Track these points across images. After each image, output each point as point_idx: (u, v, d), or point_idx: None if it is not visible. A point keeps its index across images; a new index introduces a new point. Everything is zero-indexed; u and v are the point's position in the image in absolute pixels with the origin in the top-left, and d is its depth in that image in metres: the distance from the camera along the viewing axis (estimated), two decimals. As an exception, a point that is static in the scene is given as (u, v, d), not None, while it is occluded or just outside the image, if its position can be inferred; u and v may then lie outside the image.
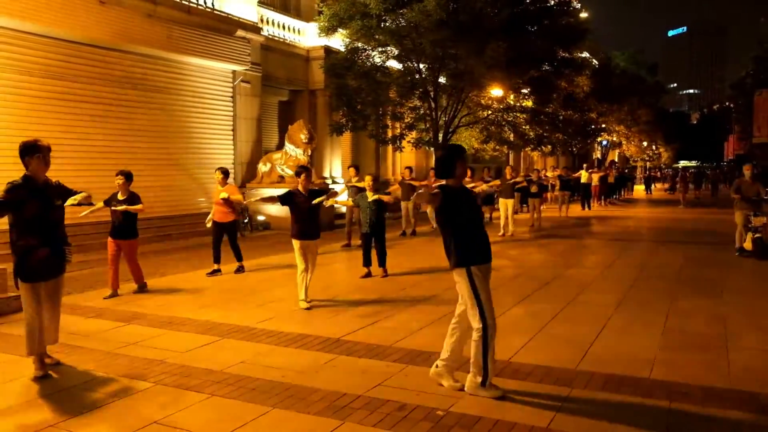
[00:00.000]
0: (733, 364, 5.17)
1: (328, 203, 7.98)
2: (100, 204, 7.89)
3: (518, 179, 16.04)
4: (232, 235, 10.01)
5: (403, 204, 15.48)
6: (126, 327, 6.57)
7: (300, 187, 7.53)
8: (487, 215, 17.13)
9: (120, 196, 8.21)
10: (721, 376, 4.90)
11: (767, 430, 3.96)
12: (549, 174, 24.22)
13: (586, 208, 24.12)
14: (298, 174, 7.62)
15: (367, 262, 9.46)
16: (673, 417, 4.11)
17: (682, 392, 4.53)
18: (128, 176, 8.25)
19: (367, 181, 9.94)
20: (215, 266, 9.78)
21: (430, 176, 16.48)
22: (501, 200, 15.34)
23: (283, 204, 7.45)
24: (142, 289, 8.44)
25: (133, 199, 8.23)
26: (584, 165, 27.43)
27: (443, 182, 4.75)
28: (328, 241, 13.26)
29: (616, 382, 4.75)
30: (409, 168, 16.76)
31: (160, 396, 4.53)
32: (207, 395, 4.52)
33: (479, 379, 4.43)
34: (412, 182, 15.14)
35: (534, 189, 17.52)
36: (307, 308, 7.25)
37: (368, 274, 9.38)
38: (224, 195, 9.73)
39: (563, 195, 21.42)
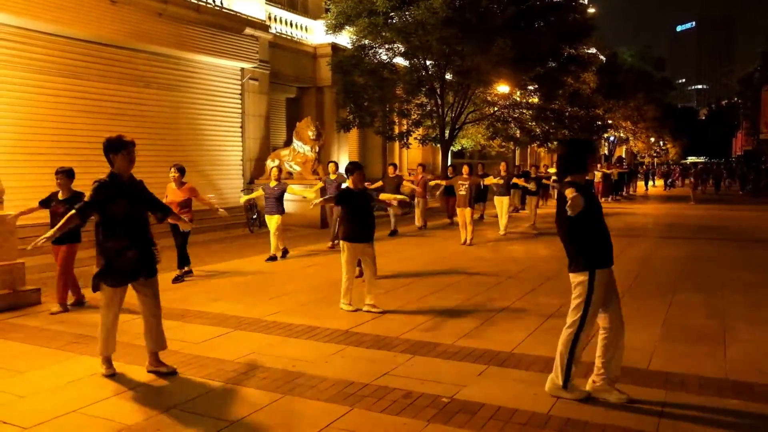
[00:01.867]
0: (730, 355, 5.32)
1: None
2: (34, 205, 7.34)
3: (518, 180, 15.88)
4: (185, 239, 9.15)
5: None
6: (140, 318, 6.76)
7: (351, 186, 7.13)
8: (477, 214, 16.55)
9: (60, 196, 7.26)
10: (718, 366, 5.05)
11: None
12: (551, 170, 23.62)
13: None
14: (349, 172, 7.20)
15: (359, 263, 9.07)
16: (668, 405, 4.26)
17: (678, 382, 4.69)
18: (68, 173, 7.28)
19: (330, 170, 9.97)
20: (186, 268, 9.25)
21: (418, 172, 16.29)
22: (496, 198, 14.98)
23: (338, 203, 7.22)
24: (80, 302, 7.42)
25: (76, 198, 6.95)
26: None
27: (429, 177, 4.91)
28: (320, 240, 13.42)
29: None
30: (423, 165, 16.71)
31: (173, 385, 4.72)
32: (220, 384, 4.71)
33: (560, 382, 4.36)
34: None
35: (532, 187, 16.96)
36: (354, 309, 6.96)
37: (360, 274, 8.44)
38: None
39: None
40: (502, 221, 14.69)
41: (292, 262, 10.76)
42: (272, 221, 10.92)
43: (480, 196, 17.62)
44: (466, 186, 12.83)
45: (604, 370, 4.36)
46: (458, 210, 13.15)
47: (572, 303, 4.39)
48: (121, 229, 4.74)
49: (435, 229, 15.77)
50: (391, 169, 15.17)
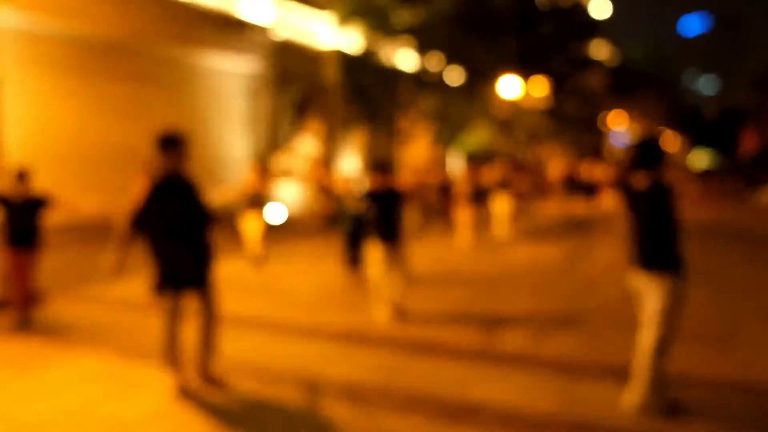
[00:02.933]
0: (740, 355, 5.29)
1: None
2: None
3: (523, 184, 15.59)
4: None
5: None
6: (147, 318, 6.79)
7: (377, 185, 6.90)
8: (476, 215, 16.25)
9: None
10: (726, 366, 5.03)
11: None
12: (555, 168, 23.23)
13: (590, 205, 23.03)
14: (375, 171, 7.01)
15: (354, 268, 8.85)
16: (674, 406, 4.24)
17: (685, 383, 4.66)
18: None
19: (345, 182, 9.25)
20: None
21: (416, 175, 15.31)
22: (497, 198, 14.22)
23: (372, 203, 6.87)
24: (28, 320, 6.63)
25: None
26: (584, 160, 27.15)
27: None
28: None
29: (623, 371, 4.89)
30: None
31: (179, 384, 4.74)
32: (225, 383, 4.72)
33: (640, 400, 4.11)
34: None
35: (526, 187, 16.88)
36: (391, 316, 6.58)
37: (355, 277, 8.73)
38: None
39: (564, 192, 20.81)
40: (504, 222, 14.15)
41: (297, 262, 10.76)
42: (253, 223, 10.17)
43: (480, 196, 17.32)
44: (466, 185, 12.61)
45: None
46: (458, 210, 12.92)
47: (660, 304, 4.10)
48: (172, 232, 4.56)
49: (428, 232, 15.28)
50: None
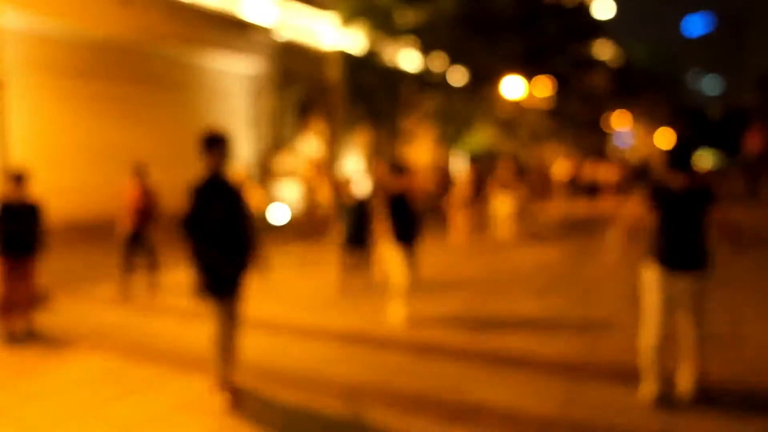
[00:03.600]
0: (745, 356, 5.27)
1: None
2: None
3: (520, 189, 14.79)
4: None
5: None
6: (150, 319, 6.81)
7: (395, 186, 6.77)
8: (474, 216, 15.96)
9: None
10: (730, 368, 5.01)
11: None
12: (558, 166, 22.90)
13: (594, 206, 22.69)
14: (393, 172, 6.84)
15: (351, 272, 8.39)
16: (678, 407, 4.24)
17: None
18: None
19: (344, 181, 8.66)
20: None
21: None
22: (497, 198, 13.87)
23: (390, 204, 6.70)
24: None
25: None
26: (587, 161, 26.99)
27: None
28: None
29: (625, 373, 4.89)
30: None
31: (183, 384, 4.75)
32: (228, 384, 4.72)
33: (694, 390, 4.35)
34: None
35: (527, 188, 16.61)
36: (404, 320, 6.49)
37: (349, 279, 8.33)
38: None
39: (566, 193, 20.56)
40: (504, 224, 13.75)
41: (302, 261, 10.77)
42: None
43: (479, 197, 17.12)
44: (465, 187, 12.36)
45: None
46: (454, 211, 12.68)
47: (699, 300, 4.33)
48: (221, 235, 4.40)
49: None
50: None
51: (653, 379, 4.36)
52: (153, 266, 8.15)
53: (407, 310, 6.50)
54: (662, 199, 4.37)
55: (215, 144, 4.48)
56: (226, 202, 4.38)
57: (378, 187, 6.87)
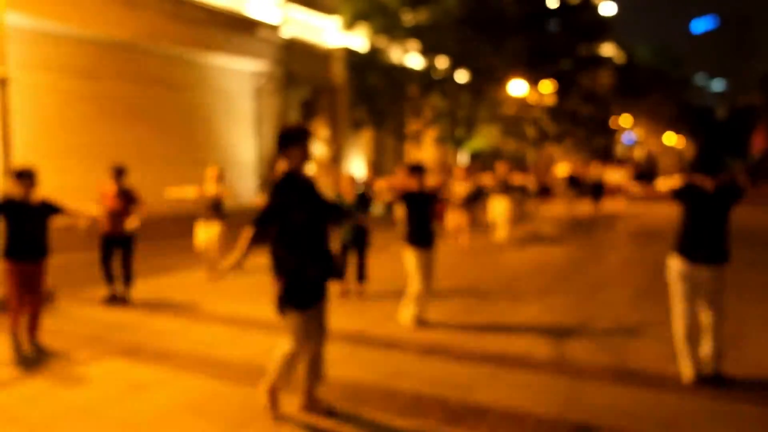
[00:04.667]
0: (745, 358, 5.25)
1: None
2: None
3: (516, 182, 14.46)
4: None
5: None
6: (152, 319, 6.82)
7: (414, 188, 6.58)
8: (471, 218, 15.44)
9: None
10: (735, 370, 4.99)
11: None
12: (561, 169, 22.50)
13: (597, 208, 22.12)
14: (411, 173, 6.64)
15: (344, 277, 7.92)
16: (683, 408, 4.22)
17: (693, 387, 4.63)
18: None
19: (344, 180, 8.14)
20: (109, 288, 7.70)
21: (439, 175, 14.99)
22: (494, 200, 13.64)
23: (408, 206, 6.49)
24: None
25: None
26: (593, 161, 26.81)
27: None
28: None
29: (627, 374, 4.87)
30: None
31: (183, 384, 4.75)
32: (230, 384, 4.73)
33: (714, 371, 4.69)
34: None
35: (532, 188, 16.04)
36: (418, 324, 6.37)
37: (344, 289, 7.91)
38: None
39: (569, 193, 19.73)
40: (502, 227, 13.47)
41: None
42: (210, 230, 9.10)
43: (476, 199, 16.85)
44: (461, 189, 11.84)
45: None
46: (450, 215, 12.31)
47: (721, 291, 4.72)
48: (303, 241, 3.98)
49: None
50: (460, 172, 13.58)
51: (688, 363, 4.71)
52: (127, 277, 7.58)
53: (416, 312, 6.41)
54: (692, 197, 4.79)
55: (297, 139, 4.01)
56: (309, 202, 3.99)
57: (398, 190, 6.63)
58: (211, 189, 9.04)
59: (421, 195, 6.59)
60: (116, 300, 7.55)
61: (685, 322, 4.75)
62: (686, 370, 4.71)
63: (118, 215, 7.45)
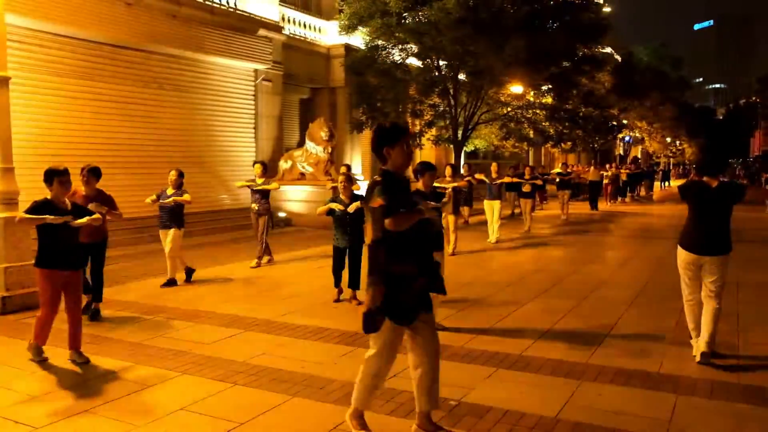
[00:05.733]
0: (743, 359, 5.27)
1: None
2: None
3: (505, 179, 14.30)
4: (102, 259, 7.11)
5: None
6: (153, 319, 6.83)
7: (422, 188, 6.43)
8: (461, 220, 15.13)
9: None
10: (730, 370, 5.00)
11: (771, 423, 4.07)
12: (555, 171, 22.20)
13: (595, 209, 22.30)
14: (420, 172, 6.44)
15: (337, 283, 7.69)
16: (678, 409, 4.23)
17: (689, 385, 4.65)
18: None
19: (340, 180, 7.75)
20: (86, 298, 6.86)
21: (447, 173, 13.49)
22: (486, 201, 13.50)
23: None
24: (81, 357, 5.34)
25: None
26: (591, 163, 26.70)
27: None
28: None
29: (626, 375, 4.89)
30: (452, 165, 13.48)
31: (185, 385, 4.76)
32: (230, 384, 4.74)
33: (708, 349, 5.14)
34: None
35: (526, 188, 15.60)
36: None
37: (338, 297, 7.64)
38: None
39: (563, 194, 19.14)
40: (493, 228, 13.23)
41: (304, 263, 10.80)
42: (167, 236, 8.68)
43: (467, 200, 16.64)
44: (450, 190, 11.59)
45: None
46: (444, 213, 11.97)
47: (721, 279, 5.21)
48: (409, 249, 3.61)
49: None
50: (344, 169, 12.88)
51: (696, 341, 5.31)
52: (97, 288, 6.97)
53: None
54: (698, 195, 5.28)
55: (397, 138, 3.68)
56: (412, 205, 3.69)
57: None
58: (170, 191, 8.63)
59: (432, 195, 6.47)
60: (86, 312, 6.67)
61: (692, 306, 5.36)
62: (696, 348, 5.28)
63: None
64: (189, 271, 9.00)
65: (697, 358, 5.14)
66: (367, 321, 3.52)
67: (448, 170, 11.90)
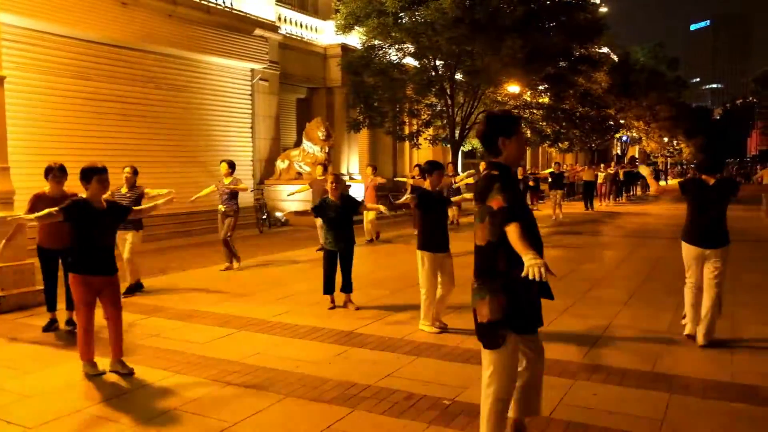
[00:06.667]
0: (736, 358, 5.27)
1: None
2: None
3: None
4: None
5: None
6: (148, 319, 6.82)
7: (430, 186, 6.27)
8: (449, 221, 15.06)
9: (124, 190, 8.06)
10: (723, 369, 5.01)
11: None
12: (546, 171, 21.96)
13: (589, 208, 22.29)
14: (428, 172, 6.30)
15: (329, 289, 7.26)
16: (672, 408, 4.24)
17: (683, 384, 4.65)
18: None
19: (330, 181, 7.38)
20: (50, 315, 6.43)
21: (367, 174, 13.71)
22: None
23: (417, 207, 6.21)
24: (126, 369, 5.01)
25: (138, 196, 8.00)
26: (587, 162, 26.66)
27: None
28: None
29: (620, 374, 4.89)
30: (373, 166, 13.97)
31: (178, 385, 4.75)
32: (224, 384, 4.74)
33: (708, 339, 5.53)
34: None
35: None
36: (440, 331, 6.09)
37: (334, 305, 7.25)
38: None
39: (555, 194, 18.83)
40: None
41: (300, 263, 10.80)
42: (124, 240, 8.14)
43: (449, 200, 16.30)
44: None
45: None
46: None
47: (721, 269, 5.56)
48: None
49: (391, 243, 13.36)
50: (320, 169, 12.70)
51: (690, 322, 5.80)
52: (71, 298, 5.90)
53: (435, 315, 6.19)
54: (697, 191, 5.71)
55: (510, 129, 3.32)
56: (524, 203, 3.40)
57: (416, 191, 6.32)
58: (124, 191, 8.21)
59: (439, 195, 6.36)
60: (55, 328, 6.29)
61: (692, 291, 5.75)
62: (687, 327, 5.83)
63: (56, 225, 5.65)
64: (138, 286, 8.18)
65: (700, 342, 5.54)
66: (490, 335, 3.19)
67: (450, 168, 11.87)
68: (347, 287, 7.24)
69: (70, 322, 6.26)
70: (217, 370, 5.06)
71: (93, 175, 4.99)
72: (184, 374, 4.97)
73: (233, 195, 9.83)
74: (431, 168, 6.30)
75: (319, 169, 12.64)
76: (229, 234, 9.82)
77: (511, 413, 3.44)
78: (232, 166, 10.04)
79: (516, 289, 3.17)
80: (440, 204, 6.32)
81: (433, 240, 6.10)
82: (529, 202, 21.06)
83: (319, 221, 10.95)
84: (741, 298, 7.50)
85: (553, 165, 21.92)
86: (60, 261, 6.22)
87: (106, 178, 5.05)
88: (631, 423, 3.99)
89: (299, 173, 17.36)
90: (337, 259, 7.20)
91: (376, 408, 4.25)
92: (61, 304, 6.39)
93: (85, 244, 4.90)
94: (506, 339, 3.17)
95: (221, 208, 9.85)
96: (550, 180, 19.65)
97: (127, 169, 8.30)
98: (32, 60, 12.46)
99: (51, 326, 6.33)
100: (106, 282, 4.97)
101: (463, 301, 7.55)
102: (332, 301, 7.23)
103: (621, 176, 27.12)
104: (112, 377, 4.93)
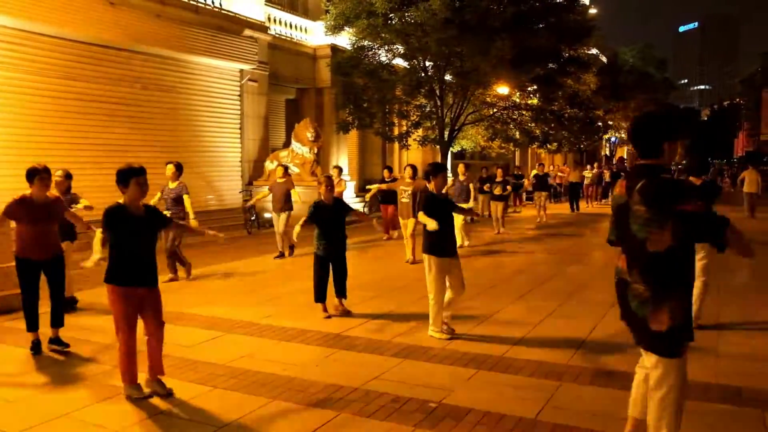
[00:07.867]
0: (721, 359, 5.32)
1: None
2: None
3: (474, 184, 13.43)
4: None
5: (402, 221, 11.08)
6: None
7: (434, 189, 6.19)
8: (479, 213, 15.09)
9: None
10: (708, 370, 5.05)
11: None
12: (533, 173, 21.79)
13: (575, 209, 22.22)
14: (432, 174, 6.17)
15: (321, 297, 6.98)
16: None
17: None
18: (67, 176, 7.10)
19: (323, 182, 7.21)
20: (33, 336, 5.69)
21: (334, 175, 13.25)
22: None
23: (425, 210, 5.99)
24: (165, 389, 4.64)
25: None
26: (575, 163, 26.63)
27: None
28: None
29: (605, 376, 4.92)
30: (339, 168, 14.03)
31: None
32: (210, 387, 4.72)
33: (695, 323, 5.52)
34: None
35: (497, 191, 15.09)
36: (449, 338, 5.95)
37: (329, 313, 6.97)
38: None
39: (539, 196, 18.41)
40: (461, 233, 11.96)
41: (288, 264, 10.78)
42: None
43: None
44: (410, 192, 10.50)
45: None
46: (401, 221, 11.04)
47: (707, 260, 6.03)
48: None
49: (366, 247, 12.66)
50: (281, 171, 12.35)
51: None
52: (57, 313, 5.73)
53: (444, 320, 6.07)
54: None
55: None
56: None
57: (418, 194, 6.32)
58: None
59: (445, 198, 6.31)
60: (38, 347, 5.65)
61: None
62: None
63: (42, 233, 5.57)
64: (72, 300, 7.40)
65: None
66: (672, 343, 3.12)
67: (408, 171, 10.90)
68: (341, 292, 7.05)
69: (55, 341, 5.70)
70: (204, 373, 5.04)
71: (131, 177, 4.57)
72: (171, 377, 4.93)
73: (178, 200, 9.13)
74: (435, 170, 6.17)
75: (280, 170, 12.02)
76: (177, 242, 9.15)
77: (637, 414, 3.55)
78: (179, 168, 9.38)
79: (690, 296, 3.23)
80: (445, 207, 6.16)
81: (440, 243, 5.94)
82: (511, 204, 21.06)
83: (280, 226, 10.98)
84: (725, 299, 7.56)
85: (537, 166, 21.85)
86: (43, 273, 5.68)
87: (145, 180, 4.63)
88: (616, 425, 4.00)
89: (288, 174, 17.30)
90: (329, 266, 7.00)
91: (363, 411, 4.25)
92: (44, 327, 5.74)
93: (125, 252, 4.52)
94: (681, 349, 3.15)
95: (167, 214, 9.23)
96: (533, 182, 19.32)
97: (59, 172, 7.26)
98: (19, 60, 12.36)
99: (36, 349, 5.61)
100: (148, 294, 4.61)
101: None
102: (325, 309, 6.95)
103: (607, 177, 27.20)
104: (101, 383, 4.89)
